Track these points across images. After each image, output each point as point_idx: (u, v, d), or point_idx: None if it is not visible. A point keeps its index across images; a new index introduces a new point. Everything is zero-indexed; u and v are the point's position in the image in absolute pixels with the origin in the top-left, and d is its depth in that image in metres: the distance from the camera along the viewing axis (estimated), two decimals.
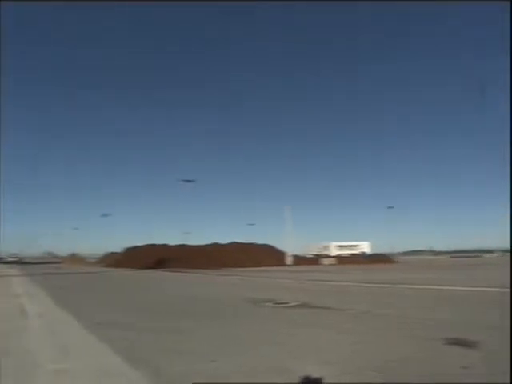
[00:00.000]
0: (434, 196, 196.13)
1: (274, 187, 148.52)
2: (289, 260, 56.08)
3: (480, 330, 5.33)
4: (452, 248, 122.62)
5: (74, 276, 28.36)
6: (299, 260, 58.87)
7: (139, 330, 5.93)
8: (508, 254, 46.35)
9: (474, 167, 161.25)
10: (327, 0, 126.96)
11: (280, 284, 18.17)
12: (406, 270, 30.29)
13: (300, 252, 69.41)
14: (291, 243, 58.15)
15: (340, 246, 78.44)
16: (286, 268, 44.59)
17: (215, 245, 61.24)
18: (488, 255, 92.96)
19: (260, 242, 64.63)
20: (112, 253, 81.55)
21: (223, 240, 64.58)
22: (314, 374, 3.39)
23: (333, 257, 67.69)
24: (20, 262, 73.95)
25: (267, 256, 54.87)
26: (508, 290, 9.09)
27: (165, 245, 61.49)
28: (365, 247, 77.64)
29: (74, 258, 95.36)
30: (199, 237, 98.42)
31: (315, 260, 63.45)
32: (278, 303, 9.05)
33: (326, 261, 62.49)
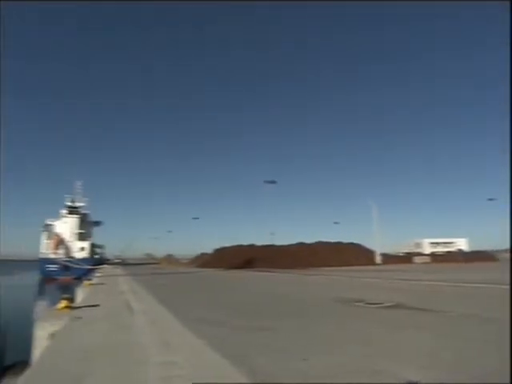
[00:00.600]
0: None
1: (359, 183, 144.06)
2: (378, 259, 53.72)
3: None
4: None
5: (169, 276, 30.44)
6: (389, 259, 56.14)
7: (231, 327, 6.15)
8: None
9: None
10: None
11: (370, 284, 17.50)
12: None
13: (389, 250, 66.22)
14: (380, 241, 55.57)
15: (434, 243, 72.97)
16: (375, 267, 42.75)
17: (301, 244, 61.16)
18: None
19: (346, 240, 63.07)
20: (203, 254, 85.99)
21: (309, 239, 64.30)
22: (414, 379, 3.20)
23: (426, 255, 63.37)
24: (123, 263, 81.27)
25: (355, 255, 53.28)
26: None
27: (252, 245, 63.07)
28: (462, 244, 70.90)
29: (170, 259, 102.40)
30: (285, 237, 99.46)
31: (406, 258, 59.98)
32: (370, 303, 8.71)
33: (418, 259, 58.74)
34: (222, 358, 4.07)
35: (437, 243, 72.72)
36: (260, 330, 5.88)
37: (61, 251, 63.52)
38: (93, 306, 8.71)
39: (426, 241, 73.40)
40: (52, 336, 5.88)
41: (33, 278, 55.44)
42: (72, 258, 62.06)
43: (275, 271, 33.99)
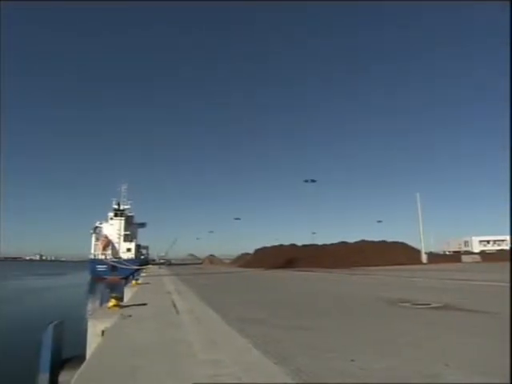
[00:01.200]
0: None
1: (402, 181, 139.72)
2: (424, 258, 51.79)
3: None
4: None
5: (211, 276, 30.97)
6: (435, 258, 54.03)
7: (273, 326, 6.16)
8: None
9: None
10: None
11: (416, 283, 16.92)
12: None
13: (437, 249, 63.70)
14: (425, 240, 53.55)
15: (484, 241, 69.29)
16: (422, 266, 41.25)
17: (343, 243, 60.22)
18: None
19: (390, 239, 61.35)
20: (244, 254, 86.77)
21: (351, 239, 63.22)
22: None
23: (475, 253, 60.30)
24: (167, 263, 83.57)
25: (399, 254, 51.71)
26: None
27: (293, 245, 62.90)
28: None
29: (212, 259, 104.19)
30: (326, 236, 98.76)
31: (454, 258, 57.42)
32: (417, 304, 8.43)
33: (467, 258, 56.08)
34: (265, 357, 4.10)
35: (487, 241, 68.91)
36: (302, 329, 5.86)
37: (108, 252, 66.46)
38: (140, 304, 9.03)
39: (476, 238, 69.77)
40: (104, 333, 6.17)
41: (84, 277, 58.34)
42: (119, 258, 64.73)
43: (317, 271, 33.67)
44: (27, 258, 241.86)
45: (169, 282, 20.30)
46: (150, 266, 59.10)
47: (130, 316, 7.09)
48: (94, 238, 68.39)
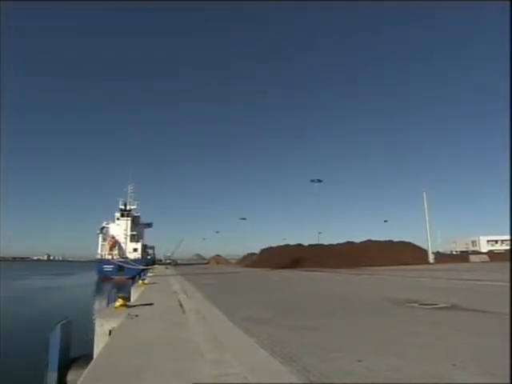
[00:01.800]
0: None
1: (409, 179, 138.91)
2: (431, 258, 51.46)
3: None
4: None
5: (217, 276, 31.03)
6: (443, 258, 53.70)
7: (279, 326, 6.16)
8: None
9: None
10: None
11: (423, 283, 16.83)
12: None
13: (444, 249, 63.26)
14: (432, 239, 53.20)
15: (492, 241, 68.62)
16: (428, 266, 41.01)
17: (349, 243, 60.03)
18: None
19: (397, 239, 61.05)
20: (250, 254, 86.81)
21: (357, 238, 62.99)
22: None
23: (483, 253, 59.75)
24: (173, 263, 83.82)
25: (406, 254, 51.43)
26: None
27: (299, 245, 62.81)
28: None
29: (218, 259, 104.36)
30: (332, 236, 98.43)
31: (462, 257, 56.99)
32: (424, 304, 8.39)
33: (474, 258, 55.65)
34: (271, 357, 4.10)
35: (495, 241, 68.24)
36: (308, 329, 5.86)
37: (115, 252, 66.79)
38: (147, 304, 9.08)
39: (483, 238, 69.14)
40: (111, 332, 6.22)
41: (91, 277, 58.70)
42: (126, 258, 65.02)
43: (323, 271, 33.60)
44: (35, 258, 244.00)
45: (175, 281, 20.38)
46: (156, 266, 59.35)
47: (137, 316, 7.13)
48: (100, 239, 68.80)
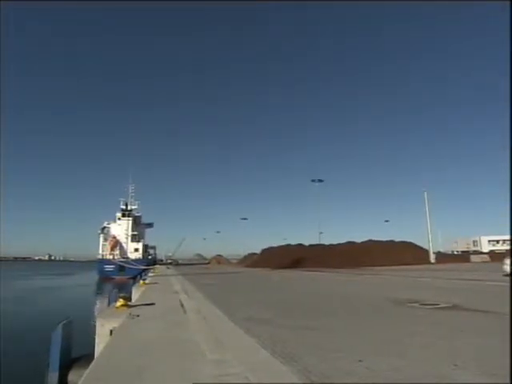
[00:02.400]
0: None
1: (411, 179, 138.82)
2: (432, 258, 51.40)
3: None
4: None
5: (218, 276, 31.03)
6: (444, 258, 53.65)
7: (279, 326, 6.16)
8: None
9: None
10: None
11: (424, 283, 16.82)
12: None
13: (445, 249, 63.19)
14: (434, 239, 53.14)
15: (493, 241, 68.49)
16: (430, 266, 40.97)
17: (350, 243, 59.99)
18: None
19: (398, 239, 61.00)
20: (251, 254, 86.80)
21: (358, 238, 62.95)
22: None
23: (484, 253, 59.67)
24: (174, 263, 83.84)
25: (407, 254, 51.39)
26: None
27: (300, 244, 62.77)
28: None
29: (219, 259, 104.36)
30: (333, 236, 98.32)
31: (463, 257, 56.92)
32: (425, 304, 8.38)
33: (476, 258, 55.57)
34: (272, 357, 4.10)
35: (496, 241, 68.08)
36: (309, 329, 5.86)
37: (116, 252, 66.82)
38: (148, 304, 9.08)
39: (484, 238, 69.01)
40: (112, 332, 6.22)
41: (92, 277, 58.76)
42: (127, 258, 65.05)
43: (324, 270, 33.59)
44: (36, 258, 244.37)
45: (176, 281, 20.39)
46: (157, 266, 59.37)
47: (138, 316, 7.13)
48: (101, 239, 68.86)
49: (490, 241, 68.19)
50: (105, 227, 70.61)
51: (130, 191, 73.80)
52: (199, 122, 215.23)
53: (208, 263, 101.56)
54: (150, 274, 32.31)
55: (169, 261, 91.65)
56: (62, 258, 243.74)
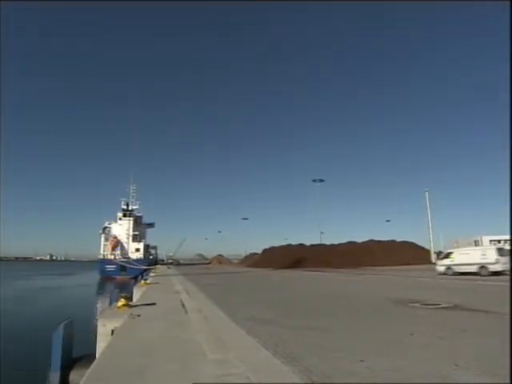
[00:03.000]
0: None
1: (412, 179, 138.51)
2: (433, 258, 51.28)
3: None
4: None
5: (219, 276, 31.03)
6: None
7: (281, 326, 6.17)
8: None
9: None
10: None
11: (426, 283, 16.80)
12: None
13: (446, 248, 62.92)
14: (435, 239, 53.04)
15: (495, 241, 68.23)
16: (431, 266, 40.81)
17: (351, 243, 59.91)
18: None
19: (399, 239, 60.91)
20: (252, 254, 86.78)
21: (359, 238, 62.82)
22: None
23: None
24: (175, 263, 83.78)
25: (408, 254, 51.27)
26: None
27: (301, 244, 62.66)
28: None
29: (220, 259, 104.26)
30: (335, 236, 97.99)
31: None
32: (427, 304, 8.38)
33: None
34: (274, 357, 4.11)
35: (498, 240, 67.87)
36: (309, 329, 5.86)
37: (118, 252, 66.82)
38: (150, 304, 9.09)
39: (486, 238, 68.79)
40: (113, 332, 6.23)
41: (93, 277, 58.81)
42: (128, 258, 65.05)
43: (325, 270, 33.58)
44: (37, 258, 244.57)
45: (177, 281, 20.39)
46: (158, 265, 59.34)
47: (139, 316, 7.14)
48: (103, 239, 68.80)
49: (491, 241, 67.81)
50: (106, 227, 70.60)
51: (131, 191, 73.80)
52: (199, 122, 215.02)
53: (209, 263, 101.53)
54: (151, 274, 32.31)
55: (170, 261, 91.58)
56: (63, 258, 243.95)
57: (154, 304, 9.14)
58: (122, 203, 73.32)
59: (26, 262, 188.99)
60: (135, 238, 71.25)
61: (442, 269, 24.73)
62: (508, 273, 20.64)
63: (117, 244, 68.06)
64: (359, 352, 4.23)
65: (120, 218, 71.87)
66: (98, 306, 24.05)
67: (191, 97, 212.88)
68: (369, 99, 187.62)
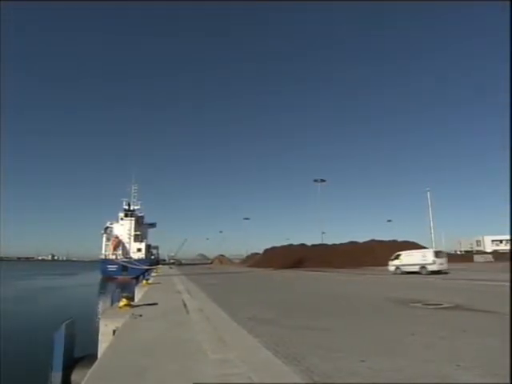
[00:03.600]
0: None
1: (413, 179, 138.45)
2: None
3: None
4: None
5: (220, 276, 31.04)
6: (447, 257, 53.28)
7: (282, 326, 6.17)
8: None
9: None
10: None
11: (427, 283, 16.77)
12: None
13: (448, 248, 62.91)
14: (437, 239, 52.96)
15: (496, 241, 68.11)
16: None
17: (352, 243, 59.83)
18: None
19: (401, 238, 60.82)
20: (254, 254, 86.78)
21: (361, 238, 62.76)
22: None
23: (488, 253, 59.41)
24: (177, 263, 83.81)
25: None
26: None
27: (302, 244, 62.61)
28: None
29: (221, 259, 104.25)
30: (336, 236, 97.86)
31: (466, 257, 56.68)
32: (428, 304, 8.37)
33: (479, 257, 55.31)
34: (275, 357, 4.12)
35: (500, 240, 67.69)
36: (310, 329, 5.87)
37: (119, 252, 66.89)
38: (151, 304, 9.11)
39: (488, 238, 68.65)
40: (115, 332, 6.24)
41: (95, 277, 58.89)
42: (130, 258, 65.12)
43: (326, 270, 33.56)
44: (39, 258, 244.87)
45: (179, 281, 20.40)
46: (160, 265, 59.35)
47: (141, 316, 7.16)
48: (104, 239, 68.85)
49: (493, 240, 67.78)
50: (108, 227, 70.67)
51: (133, 191, 73.89)
52: (199, 122, 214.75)
53: (210, 263, 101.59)
54: (152, 274, 32.35)
55: (171, 261, 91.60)
56: (64, 258, 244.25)
57: (156, 304, 9.16)
58: (124, 203, 73.38)
59: (27, 262, 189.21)
60: (137, 238, 71.31)
61: (392, 268, 28.92)
62: (444, 272, 25.05)
63: (118, 244, 68.12)
64: (360, 352, 4.24)
65: (122, 218, 71.95)
66: (100, 306, 24.08)
67: (191, 97, 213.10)
68: (369, 99, 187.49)
